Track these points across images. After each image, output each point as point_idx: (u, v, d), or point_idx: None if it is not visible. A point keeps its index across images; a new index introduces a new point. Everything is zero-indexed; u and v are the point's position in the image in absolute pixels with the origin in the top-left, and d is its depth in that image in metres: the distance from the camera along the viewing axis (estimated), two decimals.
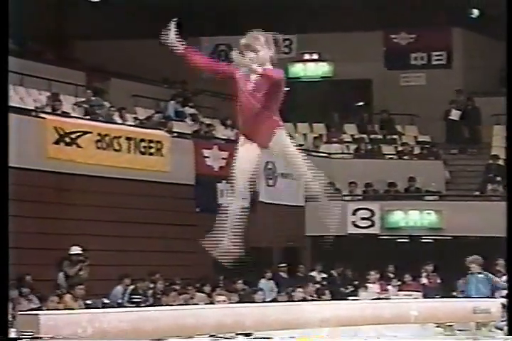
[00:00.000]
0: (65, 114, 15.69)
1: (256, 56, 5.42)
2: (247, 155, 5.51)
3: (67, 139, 14.49)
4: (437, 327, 7.87)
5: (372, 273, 16.60)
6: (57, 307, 11.37)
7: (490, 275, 12.18)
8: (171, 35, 5.78)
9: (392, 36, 22.78)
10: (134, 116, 17.87)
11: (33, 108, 15.64)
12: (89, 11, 21.01)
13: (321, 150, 20.83)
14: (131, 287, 14.07)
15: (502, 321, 7.14)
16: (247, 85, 5.45)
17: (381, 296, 15.39)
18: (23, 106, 15.68)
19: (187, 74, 21.07)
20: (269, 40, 5.55)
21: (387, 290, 16.13)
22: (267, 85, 5.40)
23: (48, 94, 16.46)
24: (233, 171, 5.53)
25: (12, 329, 8.83)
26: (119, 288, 14.08)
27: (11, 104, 15.64)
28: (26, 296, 12.17)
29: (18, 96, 16.52)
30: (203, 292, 14.34)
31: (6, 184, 4.54)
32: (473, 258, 12.12)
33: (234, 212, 5.65)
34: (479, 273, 12.01)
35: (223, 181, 17.54)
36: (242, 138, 5.56)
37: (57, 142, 14.41)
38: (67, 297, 12.28)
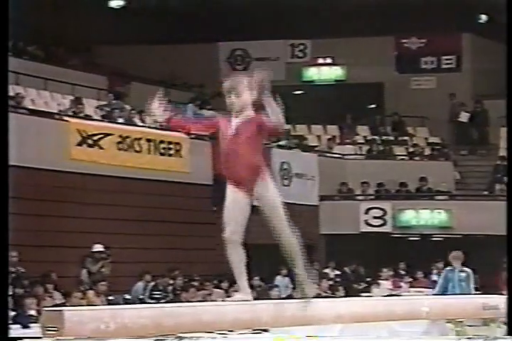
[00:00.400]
0: (88, 117, 15.72)
1: (238, 100, 5.24)
2: (237, 202, 5.31)
3: (90, 141, 14.52)
4: (448, 322, 7.84)
5: (384, 270, 16.58)
6: (80, 303, 11.39)
7: (470, 272, 11.96)
8: (155, 105, 5.52)
9: (403, 41, 22.74)
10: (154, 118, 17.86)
11: (56, 111, 15.69)
12: (111, 17, 21.05)
13: (334, 152, 20.84)
14: (152, 283, 14.08)
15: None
16: (228, 130, 5.23)
17: (393, 293, 15.34)
18: (47, 110, 15.74)
19: (205, 77, 21.20)
20: (252, 84, 5.29)
21: (399, 287, 16.08)
22: (251, 129, 5.20)
23: (72, 97, 16.50)
24: (224, 219, 5.31)
25: (37, 325, 8.85)
26: (140, 284, 14.10)
27: (36, 107, 15.72)
28: (51, 293, 12.19)
29: (42, 100, 16.57)
30: (220, 288, 14.35)
31: (6, 183, 4.48)
32: (456, 254, 11.95)
33: (235, 260, 5.40)
34: (461, 270, 11.84)
35: None
36: (229, 185, 5.34)
37: (80, 144, 14.45)
38: (90, 293, 12.31)
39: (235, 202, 5.29)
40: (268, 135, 5.33)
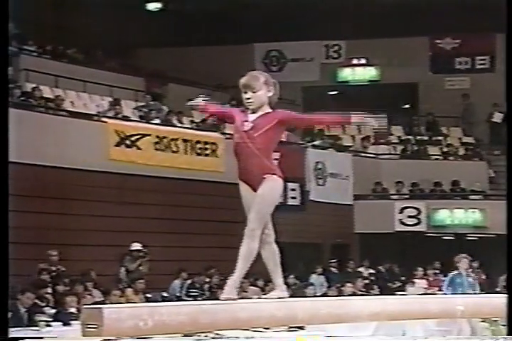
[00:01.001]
0: (126, 118, 15.80)
1: (254, 95, 5.13)
2: (247, 201, 5.18)
3: (128, 142, 14.59)
4: (482, 321, 7.78)
5: (419, 269, 16.49)
6: (119, 301, 11.44)
7: (475, 277, 11.81)
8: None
9: (438, 41, 22.60)
10: (190, 119, 17.93)
11: (95, 113, 15.78)
12: (148, 20, 21.15)
13: (369, 151, 20.77)
14: (189, 281, 14.11)
15: None
16: (244, 125, 5.13)
17: (428, 291, 15.26)
18: (86, 112, 15.84)
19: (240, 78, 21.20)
20: (268, 81, 5.21)
21: (435, 286, 15.99)
22: (267, 125, 5.10)
23: (110, 99, 16.59)
24: (246, 213, 5.19)
25: (77, 322, 8.89)
26: (177, 282, 14.14)
27: (76, 109, 15.83)
28: (90, 291, 12.26)
29: (81, 102, 16.69)
30: (256, 286, 14.34)
31: (6, 181, 4.46)
32: (462, 257, 11.81)
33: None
34: (467, 275, 11.69)
35: None
36: (240, 183, 5.22)
37: (118, 144, 14.52)
38: (129, 291, 12.37)
39: (246, 200, 5.19)
40: (298, 127, 5.39)
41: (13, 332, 9.80)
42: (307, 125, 5.27)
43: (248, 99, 5.14)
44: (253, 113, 5.17)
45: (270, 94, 5.18)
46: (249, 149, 5.08)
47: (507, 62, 5.42)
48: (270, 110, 5.19)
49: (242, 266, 5.29)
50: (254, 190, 5.15)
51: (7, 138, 4.53)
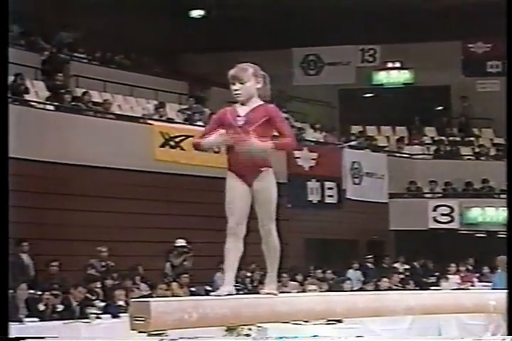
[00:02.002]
0: (170, 120, 15.86)
1: (242, 86, 4.93)
2: (240, 193, 4.91)
3: (172, 143, 14.64)
4: None
5: (452, 265, 16.37)
6: (165, 294, 11.49)
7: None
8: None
9: (470, 45, 22.39)
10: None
11: (141, 115, 15.87)
12: (191, 27, 21.22)
13: (403, 152, 20.68)
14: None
15: None
16: (237, 120, 4.91)
17: (461, 287, 15.13)
18: (133, 114, 15.93)
19: (279, 82, 21.21)
20: (257, 73, 4.99)
21: (469, 281, 15.85)
22: (260, 120, 4.88)
23: (155, 102, 16.67)
24: (227, 210, 4.94)
25: (125, 315, 8.94)
26: (219, 275, 14.15)
27: (123, 113, 15.93)
28: (138, 285, 12.33)
29: (128, 105, 16.79)
30: (295, 281, 14.32)
31: (6, 178, 4.45)
32: (501, 258, 11.67)
33: (227, 250, 4.96)
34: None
35: (313, 180, 17.53)
36: (230, 175, 4.96)
37: (163, 145, 14.59)
38: (174, 285, 12.41)
39: (237, 192, 4.93)
40: (274, 128, 4.91)
41: (66, 324, 9.90)
42: (279, 132, 4.96)
43: (236, 90, 4.96)
44: (242, 105, 4.97)
45: (259, 85, 4.97)
46: (245, 143, 4.86)
47: (508, 63, 5.30)
48: (261, 103, 4.97)
49: (275, 262, 5.18)
50: (248, 183, 4.93)
51: (7, 136, 4.51)
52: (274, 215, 5.02)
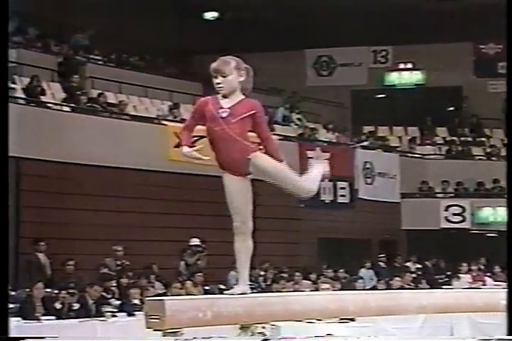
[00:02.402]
0: (184, 121, 15.84)
1: (224, 80, 4.80)
2: (238, 190, 4.87)
3: None
4: None
5: (464, 264, 16.32)
6: (179, 293, 11.50)
7: None
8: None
9: (481, 46, 22.32)
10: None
11: (156, 116, 15.89)
12: (205, 28, 21.25)
13: (415, 152, 20.64)
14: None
15: None
16: (219, 112, 4.82)
17: (472, 286, 15.07)
18: (147, 115, 15.95)
19: (292, 83, 21.20)
20: (240, 66, 4.84)
21: (480, 280, 15.80)
22: (244, 113, 4.78)
23: (170, 103, 16.69)
24: (231, 209, 4.92)
25: (141, 313, 8.94)
26: (233, 274, 14.15)
27: (138, 113, 15.96)
28: (153, 283, 12.34)
29: (143, 106, 16.81)
30: (308, 280, 14.30)
31: (6, 176, 4.43)
32: None
33: (238, 250, 4.89)
34: None
35: (325, 179, 17.49)
36: (224, 173, 4.93)
37: (177, 146, 14.56)
38: (188, 283, 12.41)
39: (236, 190, 4.89)
40: (254, 125, 4.82)
41: (82, 322, 9.93)
42: (256, 132, 4.90)
43: (219, 83, 4.83)
44: (224, 98, 4.85)
45: (241, 79, 4.84)
46: (227, 135, 4.80)
47: (507, 63, 5.26)
48: (243, 97, 4.86)
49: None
50: (241, 175, 4.87)
51: (7, 136, 4.49)
52: (286, 168, 4.97)
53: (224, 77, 4.83)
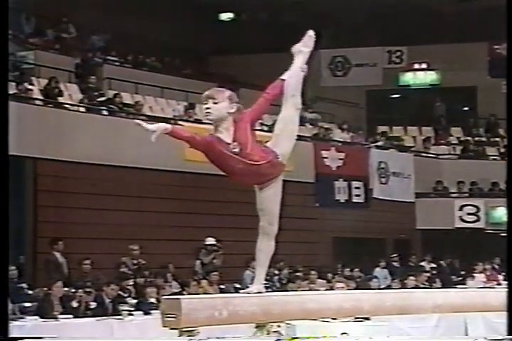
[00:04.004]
0: (200, 121, 15.86)
1: (214, 106, 4.70)
2: (266, 192, 4.90)
3: None
4: None
5: (478, 264, 16.25)
6: (195, 292, 11.50)
7: None
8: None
9: (496, 47, 22.20)
10: (260, 121, 17.93)
11: (171, 117, 15.90)
12: (220, 29, 21.27)
13: (429, 152, 20.58)
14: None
15: None
16: (230, 149, 4.69)
17: (487, 285, 15.01)
18: (163, 116, 15.97)
19: (308, 84, 21.19)
20: (233, 98, 4.76)
21: (495, 280, 15.73)
22: (246, 132, 4.71)
23: (185, 104, 16.70)
24: (258, 210, 4.92)
25: (157, 312, 8.96)
26: (248, 273, 14.14)
27: (154, 114, 15.98)
28: (169, 282, 12.36)
29: (159, 106, 16.84)
30: (323, 279, 14.28)
31: (7, 176, 4.42)
32: None
33: (259, 250, 4.90)
34: None
35: (340, 179, 17.48)
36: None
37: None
38: (204, 282, 12.42)
39: (266, 193, 4.91)
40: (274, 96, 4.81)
41: (99, 321, 9.95)
42: (263, 108, 4.88)
43: (208, 108, 4.74)
44: (221, 133, 4.73)
45: (232, 110, 4.73)
46: (251, 167, 4.74)
47: (507, 64, 5.22)
48: (233, 122, 4.74)
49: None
50: (269, 185, 4.89)
51: (7, 136, 4.48)
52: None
53: (215, 103, 4.74)
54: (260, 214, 4.94)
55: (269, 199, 4.92)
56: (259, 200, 4.95)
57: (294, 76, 5.03)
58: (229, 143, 4.72)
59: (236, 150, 4.72)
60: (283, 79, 5.00)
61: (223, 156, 4.74)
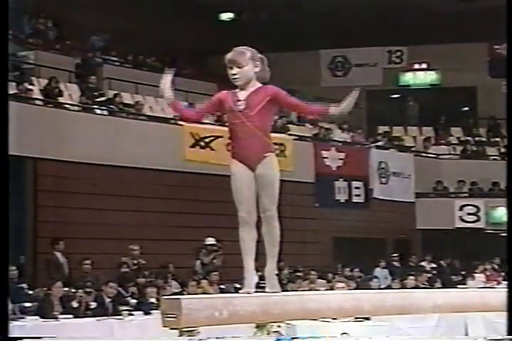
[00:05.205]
0: (199, 121, 15.87)
1: (240, 71, 4.74)
2: (244, 180, 4.81)
3: (202, 143, 14.67)
4: None
5: (478, 264, 16.25)
6: (195, 292, 11.50)
7: None
8: (166, 84, 5.26)
9: (496, 47, 22.22)
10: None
11: (172, 117, 15.90)
12: (220, 29, 21.26)
13: (429, 152, 20.57)
14: (259, 273, 14.10)
15: None
16: (237, 104, 4.75)
17: (487, 285, 15.00)
18: (163, 116, 15.97)
19: (308, 84, 21.18)
20: (255, 57, 4.82)
21: (495, 280, 15.72)
22: (261, 103, 4.73)
23: (185, 103, 16.68)
24: (235, 199, 4.90)
25: (157, 312, 8.96)
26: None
27: (154, 114, 15.98)
28: (169, 282, 12.35)
29: (159, 106, 16.82)
30: (323, 279, 14.27)
31: (7, 176, 4.41)
32: None
33: (243, 240, 5.03)
34: None
35: (340, 179, 17.49)
36: (234, 162, 4.84)
37: (193, 146, 14.62)
38: (204, 282, 12.42)
39: (242, 180, 4.83)
40: (283, 106, 4.86)
41: (99, 321, 9.95)
42: (292, 108, 5.00)
43: (234, 74, 4.77)
44: (241, 90, 4.79)
45: (257, 69, 4.80)
46: (247, 128, 4.73)
47: (507, 64, 5.22)
48: (260, 85, 4.82)
49: (275, 250, 5.17)
50: (252, 169, 4.81)
51: (7, 136, 4.48)
52: (276, 200, 4.95)
53: (239, 67, 4.78)
54: (237, 204, 4.95)
55: (245, 185, 4.86)
56: (234, 184, 4.91)
57: (338, 113, 5.19)
58: (239, 100, 4.78)
59: (241, 107, 4.76)
60: (329, 109, 5.13)
61: (229, 109, 4.79)
